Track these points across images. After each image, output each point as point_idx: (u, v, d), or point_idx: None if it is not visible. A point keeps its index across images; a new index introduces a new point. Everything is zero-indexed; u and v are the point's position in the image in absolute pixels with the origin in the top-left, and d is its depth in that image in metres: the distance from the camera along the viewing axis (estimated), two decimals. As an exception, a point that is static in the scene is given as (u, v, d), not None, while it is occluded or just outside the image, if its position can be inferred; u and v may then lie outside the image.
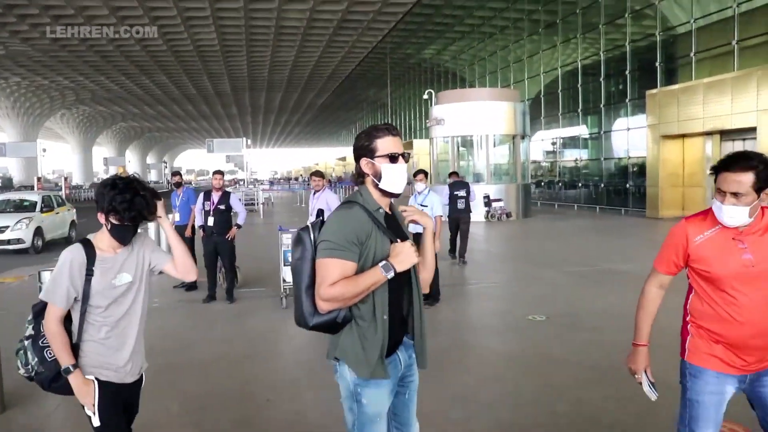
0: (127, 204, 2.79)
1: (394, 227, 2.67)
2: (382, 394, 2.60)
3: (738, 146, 17.90)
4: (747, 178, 2.56)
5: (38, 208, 16.50)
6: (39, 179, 35.98)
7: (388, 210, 2.69)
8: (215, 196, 8.89)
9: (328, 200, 8.24)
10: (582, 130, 27.16)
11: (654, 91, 20.37)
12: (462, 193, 11.32)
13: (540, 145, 30.59)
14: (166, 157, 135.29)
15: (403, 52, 46.74)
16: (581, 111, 26.72)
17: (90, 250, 2.90)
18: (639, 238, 15.81)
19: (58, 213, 17.43)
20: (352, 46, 46.43)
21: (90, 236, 3.00)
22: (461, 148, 22.86)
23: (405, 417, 2.78)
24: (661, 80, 21.01)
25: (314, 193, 8.51)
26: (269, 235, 14.82)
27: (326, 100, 71.59)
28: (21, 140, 56.68)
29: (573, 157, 28.41)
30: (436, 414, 4.54)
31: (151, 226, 10.39)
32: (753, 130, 16.41)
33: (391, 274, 2.47)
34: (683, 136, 19.22)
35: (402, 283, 2.64)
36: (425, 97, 27.04)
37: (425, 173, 9.05)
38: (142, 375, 3.12)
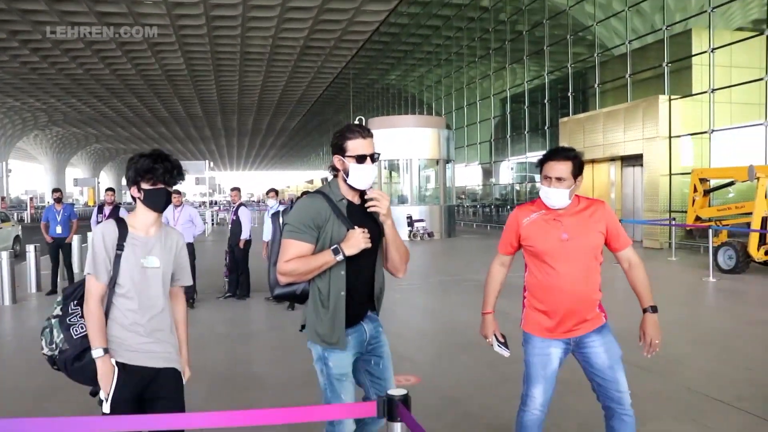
0: (156, 164, 2.92)
1: (358, 216, 2.98)
2: (345, 359, 2.98)
3: (631, 171, 19.92)
4: (567, 167, 3.18)
5: None
6: (2, 198, 37.69)
7: (355, 200, 3.02)
8: (107, 210, 10.75)
9: (191, 215, 10.14)
10: (511, 155, 29.29)
11: (565, 119, 22.41)
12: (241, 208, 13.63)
13: (477, 169, 32.79)
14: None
15: (367, 77, 48.92)
16: (510, 137, 28.84)
17: (122, 227, 2.95)
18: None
19: (0, 228, 19.16)
20: (317, 71, 48.43)
21: (123, 215, 3.14)
22: (392, 172, 24.87)
23: (384, 378, 3.13)
24: (575, 109, 23.08)
25: (174, 207, 10.05)
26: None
27: (297, 123, 73.51)
28: (-9, 160, 58.19)
29: (503, 181, 30.69)
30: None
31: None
32: (641, 156, 18.44)
33: (339, 257, 2.86)
34: (592, 161, 21.10)
35: (365, 263, 3.01)
36: (356, 122, 28.95)
37: (276, 191, 11.16)
38: (176, 369, 3.07)
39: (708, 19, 16.92)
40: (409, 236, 21.80)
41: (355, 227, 2.87)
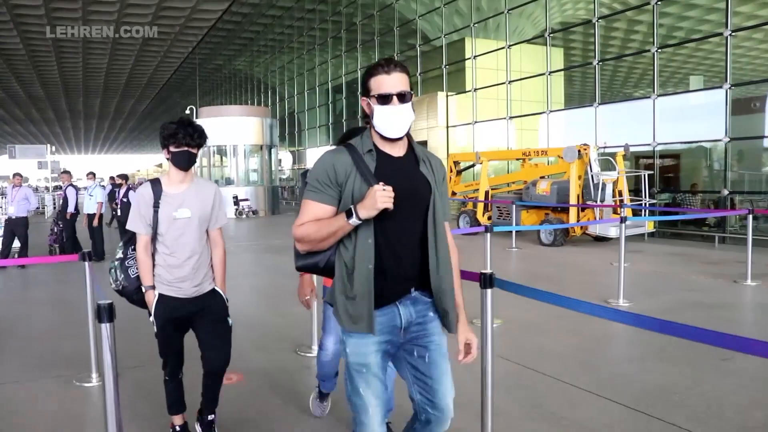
0: (179, 131, 3.47)
1: (395, 171, 2.45)
2: (366, 346, 2.46)
3: (424, 155, 24.04)
4: None
5: None
6: None
7: (393, 152, 2.50)
8: None
9: (27, 194, 12.93)
10: (333, 141, 33.05)
11: (371, 110, 26.33)
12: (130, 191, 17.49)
13: (318, 151, 36.40)
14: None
15: (213, 63, 51.25)
16: (331, 125, 32.74)
17: (157, 187, 3.56)
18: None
19: None
20: (164, 56, 49.88)
21: (160, 175, 3.69)
22: (222, 156, 28.18)
23: (431, 376, 2.57)
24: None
25: (13, 187, 12.98)
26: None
27: (146, 107, 73.99)
28: None
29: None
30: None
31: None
32: (426, 143, 22.64)
33: (353, 221, 2.32)
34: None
35: (404, 230, 2.47)
36: (187, 112, 31.80)
37: (94, 174, 14.43)
38: (214, 293, 3.72)
39: (471, 30, 21.27)
40: (236, 214, 24.93)
41: (378, 183, 2.31)
